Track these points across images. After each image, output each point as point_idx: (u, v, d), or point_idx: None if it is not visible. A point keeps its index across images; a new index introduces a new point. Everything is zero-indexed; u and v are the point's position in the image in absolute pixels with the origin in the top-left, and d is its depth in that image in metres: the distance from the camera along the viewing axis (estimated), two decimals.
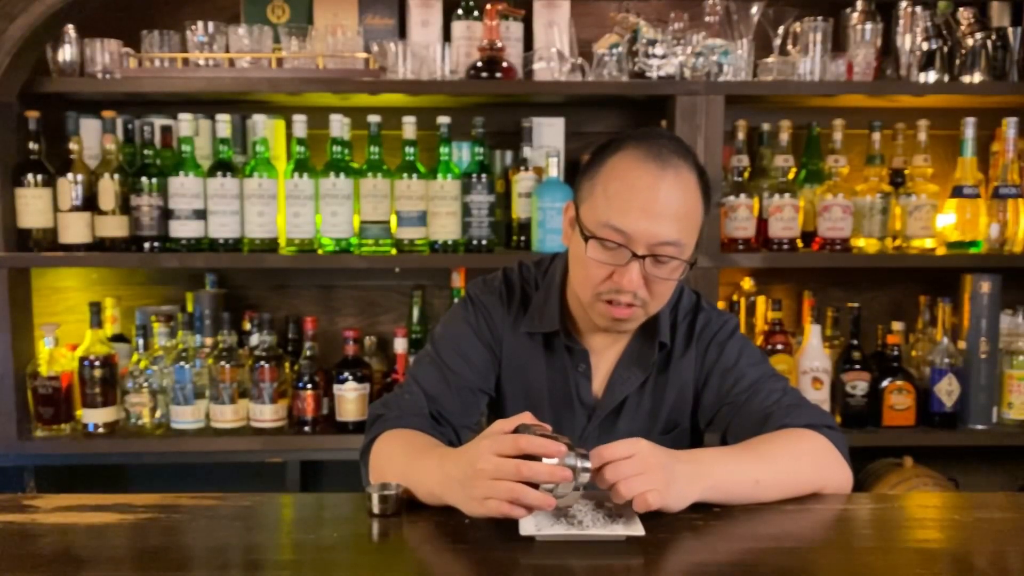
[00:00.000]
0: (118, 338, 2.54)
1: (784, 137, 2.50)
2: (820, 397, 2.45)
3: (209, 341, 2.46)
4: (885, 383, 2.48)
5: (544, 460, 1.10)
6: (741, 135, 2.53)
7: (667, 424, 1.52)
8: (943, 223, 2.51)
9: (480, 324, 1.53)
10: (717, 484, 1.23)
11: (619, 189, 1.34)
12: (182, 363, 2.40)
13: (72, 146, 2.35)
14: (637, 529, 1.13)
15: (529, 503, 1.10)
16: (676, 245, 1.33)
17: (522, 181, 2.43)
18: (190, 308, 2.52)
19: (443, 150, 2.42)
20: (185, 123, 2.38)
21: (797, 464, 1.32)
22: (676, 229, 1.33)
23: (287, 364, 2.46)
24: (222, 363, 2.39)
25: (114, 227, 2.37)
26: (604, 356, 1.52)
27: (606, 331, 1.48)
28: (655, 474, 1.15)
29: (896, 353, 2.49)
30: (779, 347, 2.47)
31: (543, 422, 1.21)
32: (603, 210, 1.34)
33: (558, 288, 1.51)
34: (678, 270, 1.37)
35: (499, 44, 2.37)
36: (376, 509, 1.21)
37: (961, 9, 2.46)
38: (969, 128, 2.45)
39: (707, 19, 2.41)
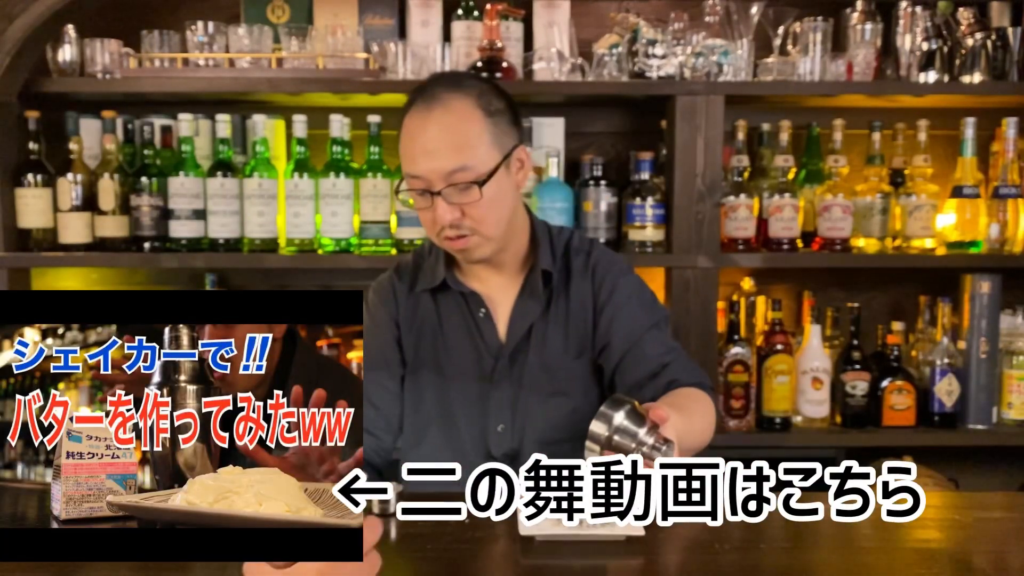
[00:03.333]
0: None
1: (784, 137, 2.50)
2: (820, 397, 2.45)
3: None
4: (885, 383, 2.48)
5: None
6: (741, 135, 2.53)
7: (578, 350, 1.58)
8: (943, 223, 2.51)
9: (378, 320, 1.62)
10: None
11: (404, 143, 1.47)
12: None
13: (72, 146, 2.35)
14: (637, 529, 1.13)
15: None
16: (465, 169, 1.43)
17: None
18: None
19: None
20: (185, 123, 2.38)
21: (702, 425, 1.41)
22: (457, 157, 1.42)
23: None
24: None
25: (114, 227, 2.37)
26: (503, 300, 1.60)
27: (490, 267, 1.56)
28: None
29: (896, 353, 2.49)
30: (779, 347, 2.47)
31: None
32: (404, 164, 1.48)
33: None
34: (480, 190, 1.44)
35: (499, 44, 2.37)
36: (376, 509, 1.21)
37: (961, 9, 2.46)
38: (969, 128, 2.45)
39: (707, 19, 2.41)
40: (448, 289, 1.60)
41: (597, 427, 1.15)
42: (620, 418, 1.14)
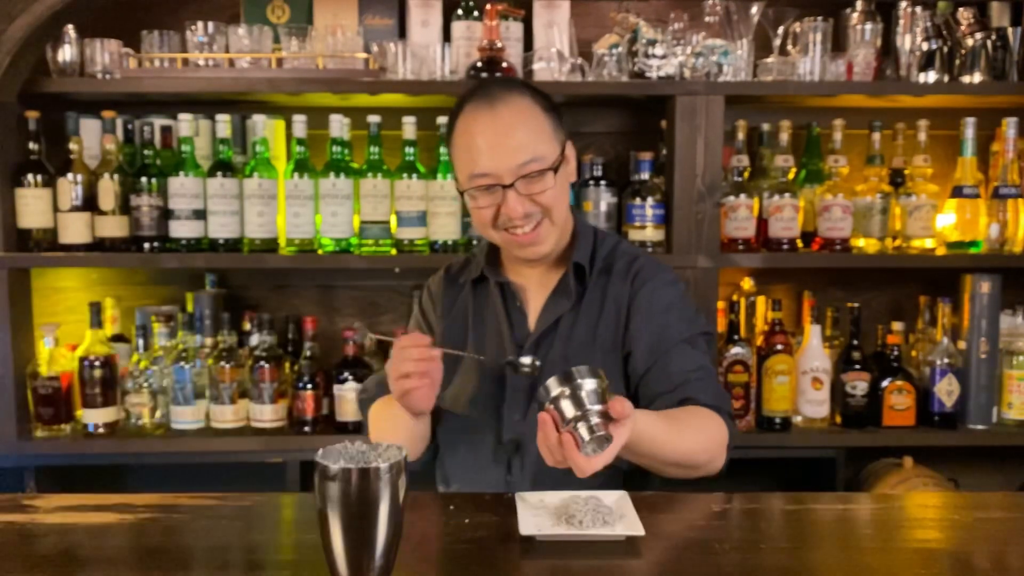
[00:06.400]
0: (118, 338, 2.54)
1: (784, 137, 2.50)
2: (820, 397, 2.45)
3: (209, 341, 2.46)
4: (885, 383, 2.47)
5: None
6: (741, 135, 2.53)
7: (604, 348, 1.57)
8: (943, 223, 2.51)
9: (423, 310, 1.73)
10: (637, 433, 1.21)
11: (465, 142, 1.51)
12: (182, 363, 2.39)
13: (72, 146, 2.35)
14: (637, 529, 1.13)
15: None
16: (535, 160, 1.48)
17: None
18: (190, 308, 2.52)
19: (443, 150, 2.42)
20: (185, 123, 2.38)
21: (693, 441, 1.39)
22: (528, 149, 1.48)
23: (287, 364, 2.46)
24: (222, 363, 2.39)
25: (114, 227, 2.37)
26: (538, 292, 1.63)
27: (531, 262, 1.59)
28: None
29: (896, 353, 2.49)
30: (779, 347, 2.47)
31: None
32: (466, 164, 1.51)
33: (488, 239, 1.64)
34: (554, 177, 1.50)
35: (499, 44, 2.37)
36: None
37: (961, 9, 2.46)
38: (969, 128, 2.45)
39: (707, 19, 2.41)
40: (487, 280, 1.66)
41: (552, 383, 1.14)
42: (582, 386, 1.12)
